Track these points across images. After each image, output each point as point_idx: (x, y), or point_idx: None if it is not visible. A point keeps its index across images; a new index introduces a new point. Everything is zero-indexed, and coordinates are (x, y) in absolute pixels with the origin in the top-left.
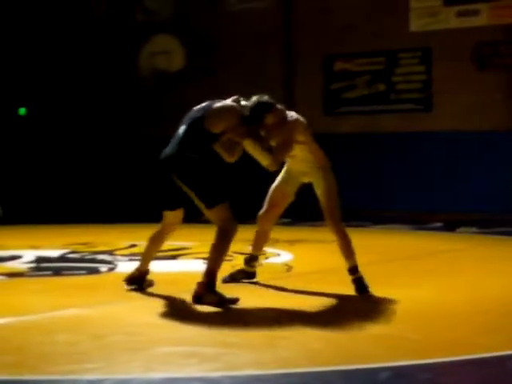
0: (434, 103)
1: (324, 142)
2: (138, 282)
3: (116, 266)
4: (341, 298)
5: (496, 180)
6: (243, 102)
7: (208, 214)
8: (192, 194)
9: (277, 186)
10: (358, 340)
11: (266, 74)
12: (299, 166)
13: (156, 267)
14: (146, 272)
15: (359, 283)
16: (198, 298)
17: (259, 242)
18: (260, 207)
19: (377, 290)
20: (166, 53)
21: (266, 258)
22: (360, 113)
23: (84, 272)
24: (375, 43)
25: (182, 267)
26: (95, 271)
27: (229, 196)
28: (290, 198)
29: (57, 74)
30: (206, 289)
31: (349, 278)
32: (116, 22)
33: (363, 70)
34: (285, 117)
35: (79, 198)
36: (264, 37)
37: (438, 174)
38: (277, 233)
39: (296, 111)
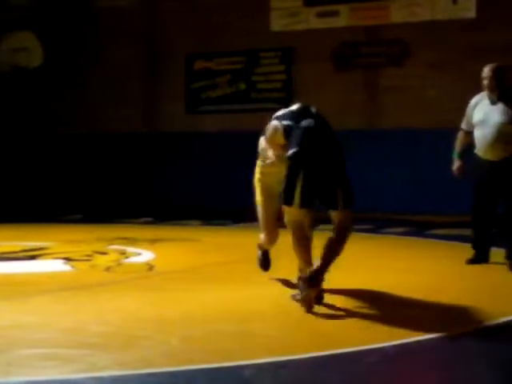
0: (295, 103)
1: (187, 140)
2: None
3: None
4: (202, 296)
5: (359, 178)
6: None
7: (342, 213)
8: (339, 190)
9: (269, 209)
10: (217, 338)
11: (129, 71)
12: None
13: (14, 268)
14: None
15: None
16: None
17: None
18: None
19: (237, 288)
20: (26, 49)
21: (127, 258)
22: (222, 112)
23: None
24: (236, 43)
25: (41, 267)
26: None
27: None
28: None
29: None
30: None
31: (210, 276)
32: None
33: (224, 69)
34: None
35: None
36: (127, 35)
37: None
38: (137, 232)
39: (158, 110)
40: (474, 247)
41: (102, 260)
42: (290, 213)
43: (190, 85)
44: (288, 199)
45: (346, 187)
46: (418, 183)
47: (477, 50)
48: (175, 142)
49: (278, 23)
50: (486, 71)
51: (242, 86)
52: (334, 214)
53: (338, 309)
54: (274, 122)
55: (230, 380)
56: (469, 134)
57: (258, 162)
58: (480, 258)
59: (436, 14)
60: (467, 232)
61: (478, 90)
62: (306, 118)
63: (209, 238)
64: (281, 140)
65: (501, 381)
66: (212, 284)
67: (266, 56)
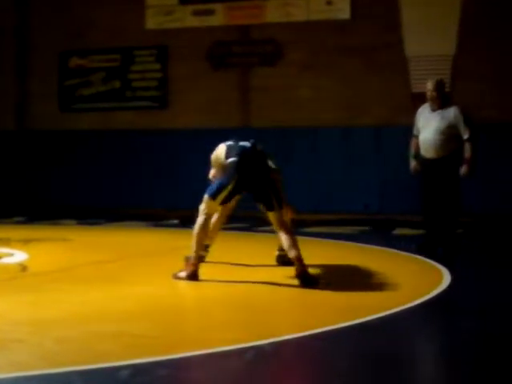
0: (170, 101)
1: (61, 138)
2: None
3: None
4: (77, 296)
5: None
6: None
7: (276, 213)
8: (272, 197)
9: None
10: (94, 338)
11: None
12: None
13: None
14: None
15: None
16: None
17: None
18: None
19: (113, 287)
20: None
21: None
22: (96, 109)
23: None
24: (111, 40)
25: None
26: None
27: None
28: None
29: None
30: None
31: (85, 276)
32: None
33: (99, 67)
34: None
35: None
36: None
37: (176, 171)
38: (9, 232)
39: (31, 107)
40: (427, 237)
41: None
42: (211, 205)
43: (63, 82)
44: (214, 194)
45: (276, 195)
46: (291, 182)
47: (349, 50)
48: (48, 141)
49: (153, 21)
50: (429, 85)
51: (117, 84)
52: (271, 214)
53: (217, 307)
54: (221, 144)
55: (106, 381)
56: (418, 138)
57: None
58: (431, 245)
59: (311, 14)
60: (339, 230)
61: (349, 89)
62: (243, 141)
63: (83, 238)
64: (222, 156)
65: (371, 376)
66: (87, 284)
67: (142, 54)
